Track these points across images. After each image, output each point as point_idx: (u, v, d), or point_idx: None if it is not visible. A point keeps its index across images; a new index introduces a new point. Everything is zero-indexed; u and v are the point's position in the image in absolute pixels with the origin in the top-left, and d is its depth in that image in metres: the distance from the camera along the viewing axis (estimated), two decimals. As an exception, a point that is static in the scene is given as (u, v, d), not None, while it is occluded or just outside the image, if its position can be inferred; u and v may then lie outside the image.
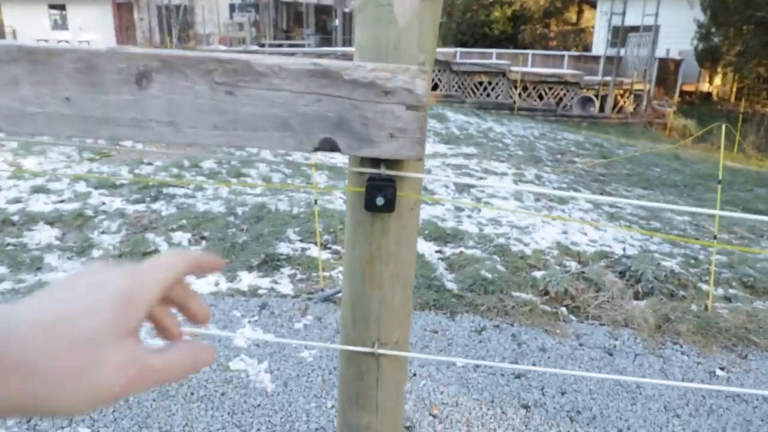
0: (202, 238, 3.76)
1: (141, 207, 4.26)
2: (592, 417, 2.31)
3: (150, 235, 3.73)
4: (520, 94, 13.41)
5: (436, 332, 2.91)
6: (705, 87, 20.38)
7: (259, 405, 2.17)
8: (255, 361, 2.46)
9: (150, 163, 5.54)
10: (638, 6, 13.82)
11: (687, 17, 15.95)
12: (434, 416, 2.26)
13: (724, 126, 3.23)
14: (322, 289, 3.16)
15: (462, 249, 3.93)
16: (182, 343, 0.38)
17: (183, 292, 0.40)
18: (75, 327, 0.31)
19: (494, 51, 18.39)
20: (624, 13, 13.41)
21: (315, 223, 3.73)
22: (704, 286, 3.58)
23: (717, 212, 0.50)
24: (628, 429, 2.27)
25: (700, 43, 16.24)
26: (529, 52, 18.54)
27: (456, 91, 13.54)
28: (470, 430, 2.18)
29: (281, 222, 4.10)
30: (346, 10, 21.76)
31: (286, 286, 3.20)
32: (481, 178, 6.09)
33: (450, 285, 3.39)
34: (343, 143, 0.63)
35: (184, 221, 3.98)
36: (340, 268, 3.44)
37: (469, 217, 4.66)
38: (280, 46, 19.99)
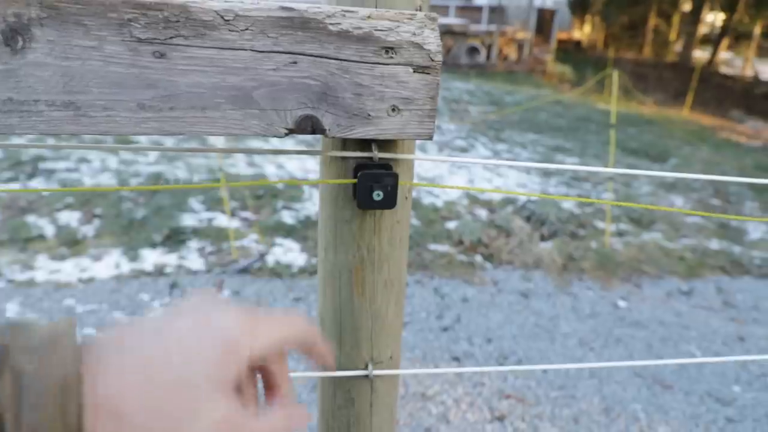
0: (94, 216, 3.35)
1: (16, 186, 3.69)
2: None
3: (31, 218, 3.24)
4: (410, 45, 13.37)
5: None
6: (577, 35, 21.74)
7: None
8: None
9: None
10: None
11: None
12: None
13: (616, 74, 3.40)
14: (236, 261, 2.97)
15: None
16: (279, 406, 0.35)
17: (279, 362, 0.36)
18: (172, 370, 0.28)
19: (381, 0, 18.10)
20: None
21: (220, 190, 3.47)
22: (600, 224, 3.85)
23: (640, 172, 0.45)
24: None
25: (572, -7, 17.19)
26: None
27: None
28: (407, 389, 2.18)
29: (182, 191, 3.77)
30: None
31: (195, 261, 2.96)
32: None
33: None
34: (329, 121, 0.47)
35: (70, 199, 3.51)
36: (253, 236, 3.24)
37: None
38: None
